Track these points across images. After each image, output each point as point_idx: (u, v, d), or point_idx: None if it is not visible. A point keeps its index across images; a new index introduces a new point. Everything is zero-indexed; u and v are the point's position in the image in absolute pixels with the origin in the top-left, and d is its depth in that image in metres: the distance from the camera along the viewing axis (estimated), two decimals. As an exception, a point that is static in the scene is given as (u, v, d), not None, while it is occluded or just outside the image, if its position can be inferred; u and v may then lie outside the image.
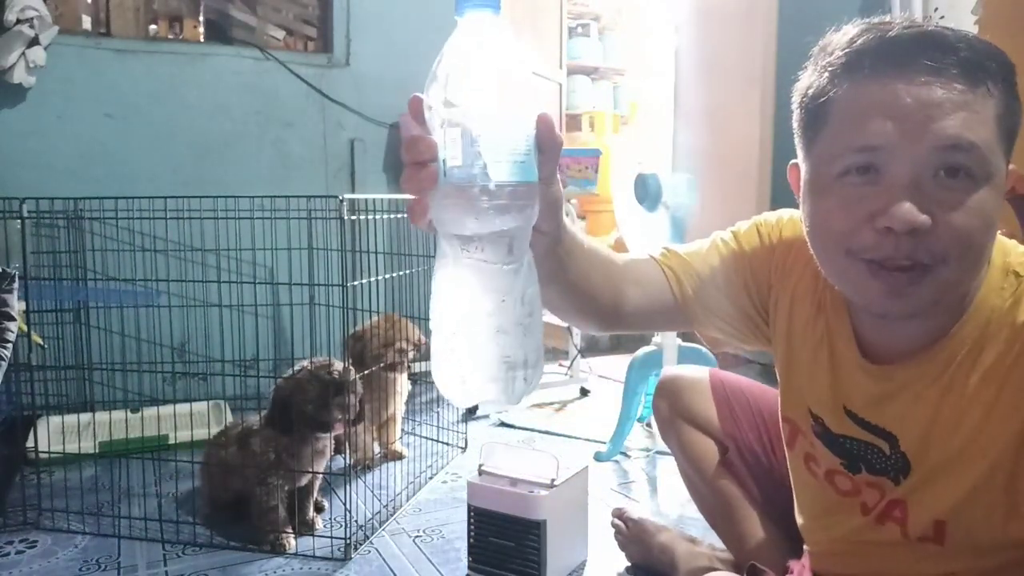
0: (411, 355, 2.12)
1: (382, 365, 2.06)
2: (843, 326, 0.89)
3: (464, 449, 2.32)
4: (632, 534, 1.58)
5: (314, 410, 1.66)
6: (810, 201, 0.81)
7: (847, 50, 0.75)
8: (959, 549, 0.85)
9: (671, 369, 1.47)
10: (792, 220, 0.98)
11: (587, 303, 0.88)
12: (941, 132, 0.70)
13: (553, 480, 1.52)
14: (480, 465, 1.60)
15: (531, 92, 0.60)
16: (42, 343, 2.31)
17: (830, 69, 0.76)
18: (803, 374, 0.95)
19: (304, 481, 1.75)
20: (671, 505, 1.94)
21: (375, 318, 2.08)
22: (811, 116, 0.79)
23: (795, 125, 0.83)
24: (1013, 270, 0.79)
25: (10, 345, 1.62)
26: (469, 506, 1.57)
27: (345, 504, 1.76)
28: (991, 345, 0.78)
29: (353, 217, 1.73)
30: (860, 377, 0.87)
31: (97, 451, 2.13)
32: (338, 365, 1.72)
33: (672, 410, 1.38)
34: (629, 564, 1.59)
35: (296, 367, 1.74)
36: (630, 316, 0.94)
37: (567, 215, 0.90)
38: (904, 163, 0.71)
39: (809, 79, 0.80)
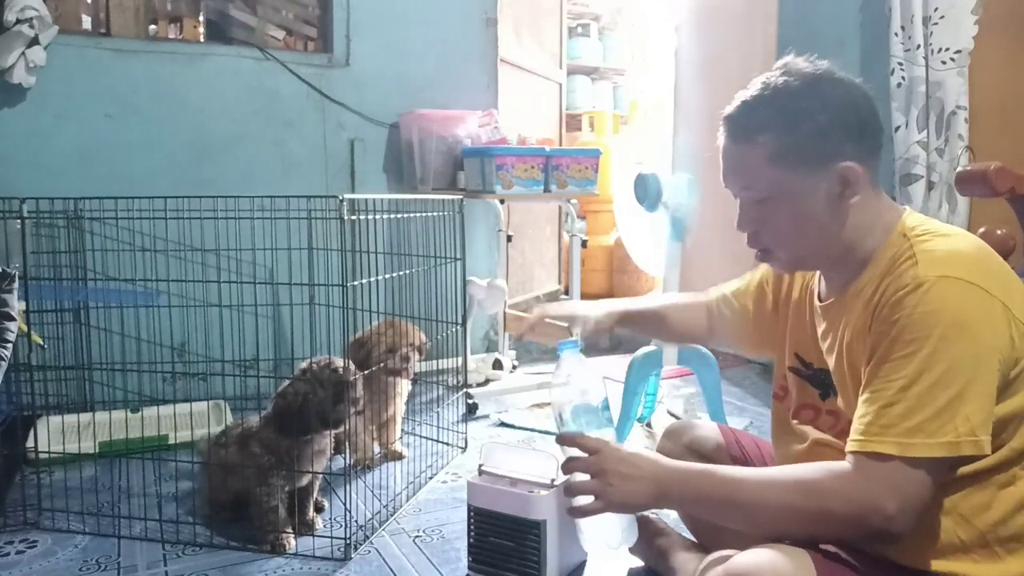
0: (414, 358, 2.12)
1: (382, 365, 2.06)
2: (811, 294, 1.23)
3: (464, 449, 2.32)
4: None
5: (328, 408, 1.67)
6: None
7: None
8: None
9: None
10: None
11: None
12: (731, 183, 1.13)
13: (553, 480, 1.52)
14: (480, 465, 1.60)
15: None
16: (42, 343, 2.31)
17: None
18: (793, 333, 1.26)
19: (304, 481, 1.75)
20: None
21: (375, 322, 2.08)
22: None
23: None
24: (903, 233, 1.06)
25: (10, 345, 1.62)
26: (469, 506, 1.58)
27: (345, 504, 1.76)
28: (876, 288, 1.04)
29: (353, 217, 1.73)
30: (819, 321, 1.19)
31: (97, 451, 2.14)
32: (339, 363, 1.72)
33: (677, 444, 1.48)
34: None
35: (298, 368, 1.74)
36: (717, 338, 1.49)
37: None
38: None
39: None
